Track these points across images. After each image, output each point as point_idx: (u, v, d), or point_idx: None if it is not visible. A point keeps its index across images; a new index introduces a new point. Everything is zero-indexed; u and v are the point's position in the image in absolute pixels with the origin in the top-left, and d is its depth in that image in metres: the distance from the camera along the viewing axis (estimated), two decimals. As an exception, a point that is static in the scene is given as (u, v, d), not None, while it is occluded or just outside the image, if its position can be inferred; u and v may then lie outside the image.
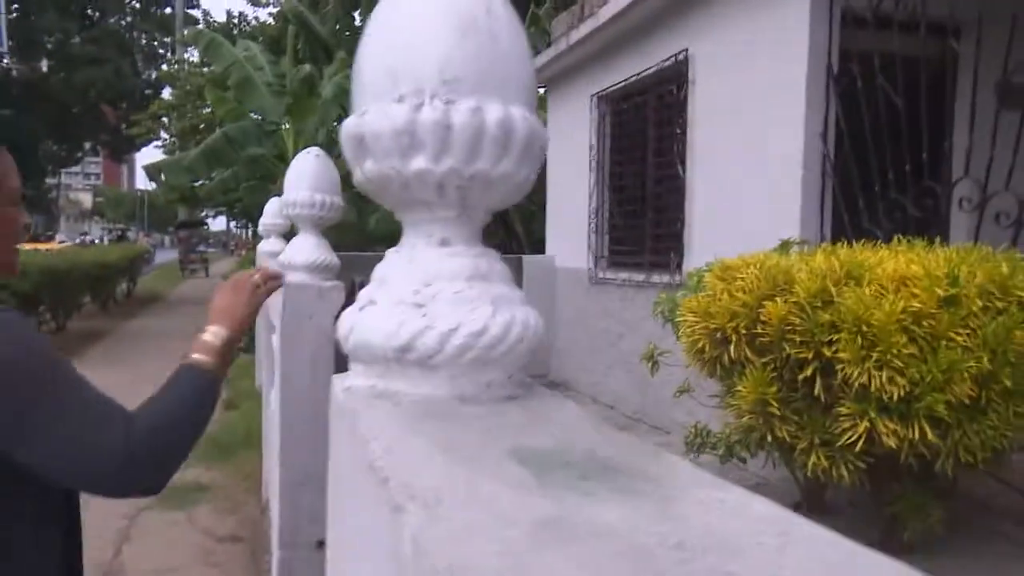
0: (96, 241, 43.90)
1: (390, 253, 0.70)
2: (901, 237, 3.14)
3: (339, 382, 0.71)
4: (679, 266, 5.17)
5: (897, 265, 2.64)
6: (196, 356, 1.22)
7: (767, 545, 0.34)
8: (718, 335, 2.89)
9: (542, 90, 8.72)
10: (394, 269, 0.67)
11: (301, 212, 2.08)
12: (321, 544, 2.05)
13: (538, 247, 12.70)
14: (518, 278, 7.61)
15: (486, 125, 0.61)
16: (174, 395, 1.14)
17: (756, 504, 0.40)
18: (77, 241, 42.58)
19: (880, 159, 3.71)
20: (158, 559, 3.84)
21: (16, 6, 32.64)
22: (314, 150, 2.13)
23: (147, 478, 1.04)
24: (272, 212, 4.51)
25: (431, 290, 0.64)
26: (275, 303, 2.29)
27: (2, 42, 20.86)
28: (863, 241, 3.20)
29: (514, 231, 12.83)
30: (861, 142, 3.80)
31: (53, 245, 20.51)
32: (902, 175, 3.63)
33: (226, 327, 1.28)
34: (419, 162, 0.62)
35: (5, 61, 31.98)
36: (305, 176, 2.08)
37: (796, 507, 3.71)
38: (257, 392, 6.75)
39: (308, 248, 2.11)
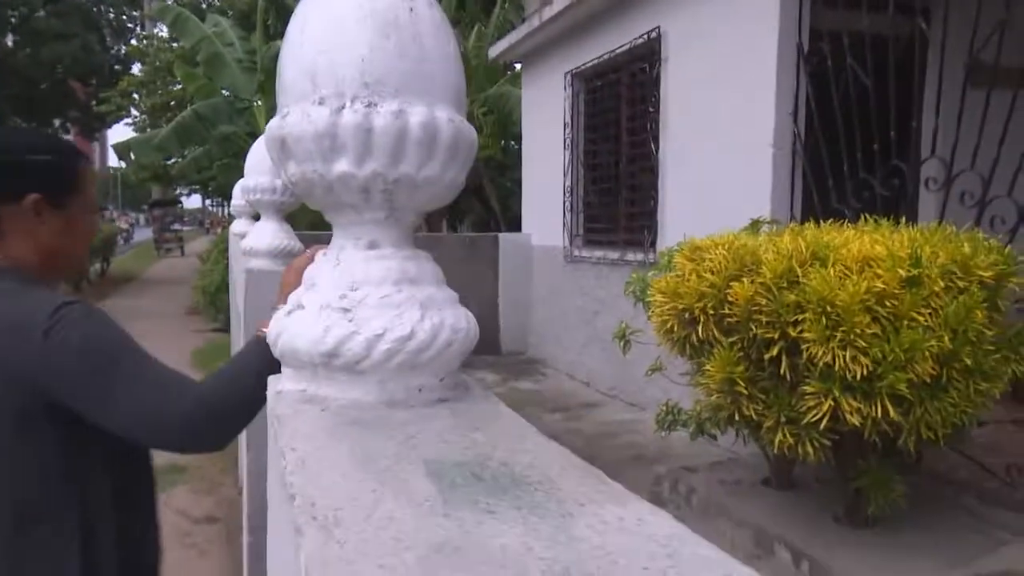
0: None
1: (318, 256, 0.69)
2: (868, 217, 3.16)
3: (273, 384, 0.70)
4: (652, 244, 5.19)
5: (861, 246, 2.67)
6: (264, 330, 1.27)
7: (652, 569, 0.34)
8: (686, 315, 2.91)
9: (518, 66, 8.65)
10: (322, 273, 0.66)
11: (262, 198, 2.05)
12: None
13: (515, 224, 12.69)
14: (494, 255, 7.63)
15: (409, 128, 0.60)
16: (240, 363, 1.26)
17: (653, 522, 0.40)
18: None
19: (849, 138, 3.72)
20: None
21: (-22, -21, 31.77)
22: (275, 134, 2.10)
23: (208, 436, 1.20)
24: (240, 193, 4.45)
25: (358, 295, 0.63)
26: (239, 289, 2.26)
27: None
28: (831, 221, 3.22)
29: (491, 208, 12.79)
30: (831, 121, 3.81)
31: None
32: (870, 155, 3.66)
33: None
34: (342, 165, 0.61)
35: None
36: (266, 160, 2.04)
37: (765, 482, 3.77)
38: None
39: (270, 233, 2.09)
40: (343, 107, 0.60)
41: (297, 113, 0.62)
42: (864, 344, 2.50)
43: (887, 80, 3.51)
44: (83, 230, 1.37)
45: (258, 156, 2.07)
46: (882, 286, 2.52)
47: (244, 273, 1.94)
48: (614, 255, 5.78)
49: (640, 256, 5.31)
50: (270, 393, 0.68)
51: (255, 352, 1.23)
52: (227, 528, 4.08)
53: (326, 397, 0.63)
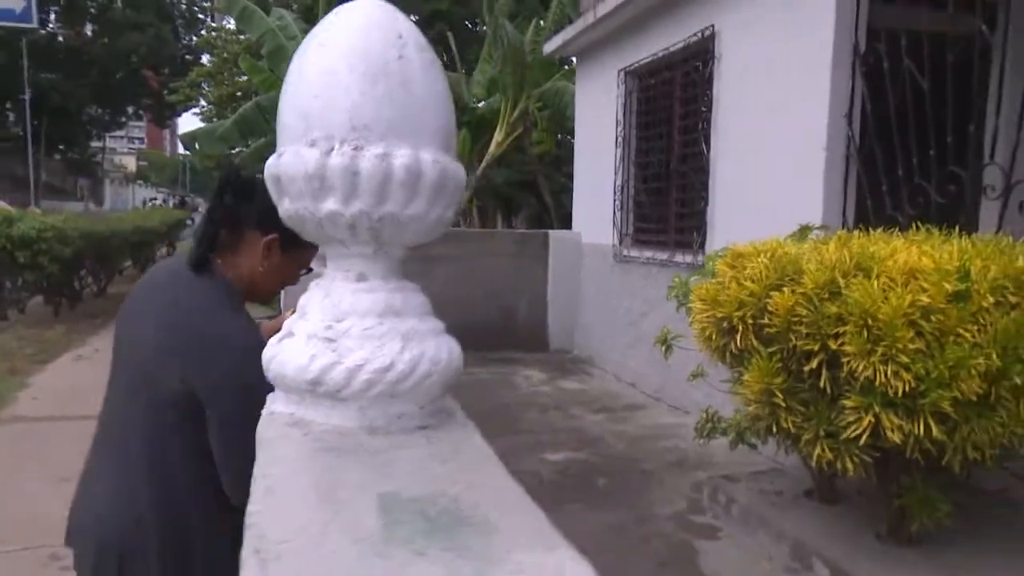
0: (161, 205, 45.76)
1: (312, 285, 0.73)
2: (922, 225, 3.07)
3: (268, 404, 0.74)
4: (702, 246, 5.13)
5: (908, 257, 2.59)
6: None
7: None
8: (725, 324, 2.88)
9: (574, 60, 8.62)
10: (312, 302, 0.70)
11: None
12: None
13: (568, 220, 12.66)
14: (544, 253, 7.64)
15: (393, 170, 0.63)
16: None
17: (572, 572, 0.42)
18: (149, 205, 44.53)
19: (904, 142, 3.62)
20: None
21: (61, -28, 33.18)
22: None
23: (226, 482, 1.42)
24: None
25: (343, 325, 0.66)
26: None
27: (32, 16, 21.26)
28: (883, 228, 3.14)
29: (545, 204, 12.80)
30: (886, 124, 3.71)
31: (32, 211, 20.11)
32: (926, 160, 3.54)
33: None
34: (330, 204, 0.65)
35: (52, 29, 32.55)
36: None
37: (808, 494, 3.71)
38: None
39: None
40: (332, 149, 0.63)
41: (291, 153, 0.66)
42: (907, 359, 2.44)
43: (945, 82, 3.40)
44: (288, 277, 1.59)
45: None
46: (927, 300, 2.45)
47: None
48: (663, 256, 5.74)
49: (689, 258, 5.26)
50: (264, 413, 0.72)
51: None
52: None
53: (311, 421, 0.67)
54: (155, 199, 61.27)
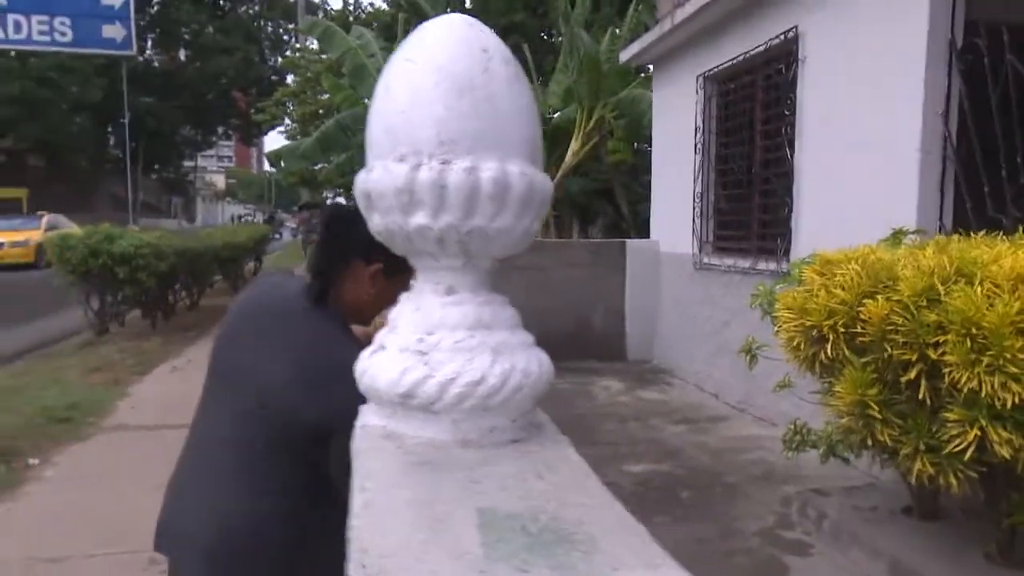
0: (253, 220, 48.04)
1: (402, 298, 0.73)
2: (1025, 228, 2.89)
3: (360, 417, 0.75)
4: (786, 253, 4.98)
5: (1015, 262, 2.44)
6: None
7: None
8: (814, 333, 2.78)
9: (651, 67, 8.54)
10: (403, 315, 0.71)
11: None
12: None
13: (645, 228, 12.51)
14: (621, 262, 7.57)
15: (480, 184, 0.63)
16: None
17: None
18: (243, 220, 47.08)
19: (1008, 141, 3.42)
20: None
21: (155, 0, 35.10)
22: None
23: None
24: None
25: (434, 339, 0.67)
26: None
27: (131, 44, 22.60)
28: (986, 231, 2.97)
29: (621, 213, 12.69)
30: (987, 122, 3.51)
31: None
32: (1033, 159, 3.34)
33: None
34: (419, 218, 0.65)
35: (149, 56, 34.46)
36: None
37: (906, 511, 3.53)
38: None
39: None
40: (420, 164, 0.64)
41: (380, 169, 0.66)
42: (1016, 370, 2.29)
43: (1053, 77, 3.20)
44: (390, 302, 1.62)
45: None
46: (1038, 307, 2.30)
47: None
48: (745, 264, 5.59)
49: (773, 265, 5.11)
50: (357, 425, 0.73)
51: None
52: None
53: (404, 434, 0.67)
54: (248, 215, 64.52)
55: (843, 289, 2.71)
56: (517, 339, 0.70)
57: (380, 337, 0.72)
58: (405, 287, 1.73)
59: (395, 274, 1.59)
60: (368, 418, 0.72)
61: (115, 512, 4.18)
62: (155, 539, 1.72)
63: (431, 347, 0.66)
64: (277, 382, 1.49)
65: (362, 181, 0.69)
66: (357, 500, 0.53)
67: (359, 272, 1.57)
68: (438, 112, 0.64)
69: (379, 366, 0.68)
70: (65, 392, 6.50)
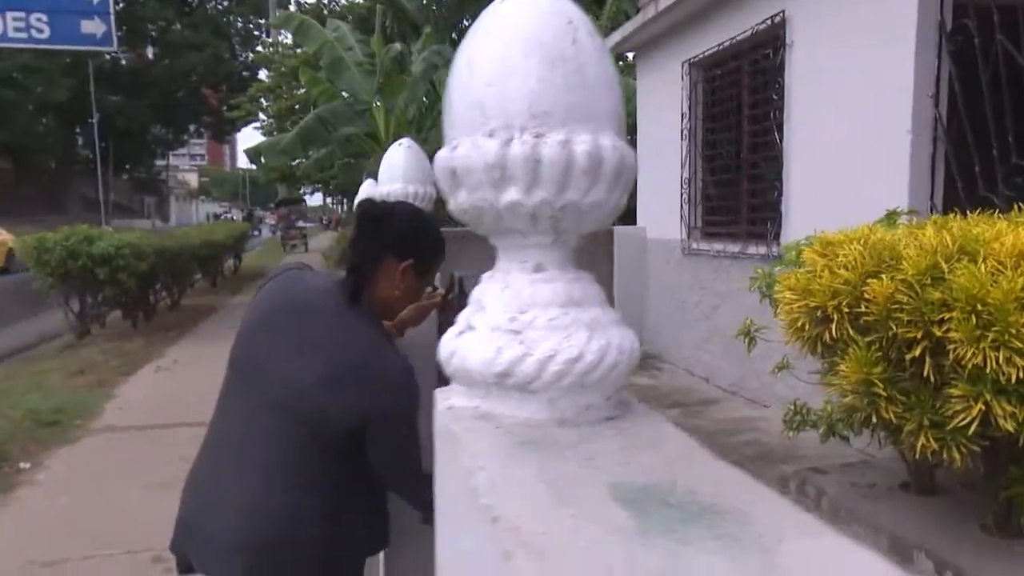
0: (233, 219, 47.55)
1: (485, 278, 0.72)
2: (1022, 206, 2.93)
3: (442, 399, 0.73)
4: (776, 237, 5.01)
5: (1016, 239, 2.47)
6: None
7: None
8: (818, 313, 2.80)
9: (630, 55, 8.54)
10: (490, 295, 0.69)
11: (396, 203, 2.14)
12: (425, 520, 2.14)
13: (624, 215, 12.54)
14: (608, 248, 7.58)
15: (575, 157, 0.62)
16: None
17: (858, 555, 0.40)
18: (223, 219, 46.60)
19: (998, 122, 3.46)
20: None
21: (121, -2, 34.48)
22: (405, 141, 2.18)
23: (407, 500, 1.61)
24: (368, 192, 4.64)
25: (527, 317, 0.65)
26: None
27: (112, 40, 22.19)
28: (979, 210, 3.01)
29: (604, 201, 12.70)
30: (977, 104, 3.55)
31: None
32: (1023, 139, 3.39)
33: None
34: (511, 195, 0.64)
35: (116, 54, 33.85)
36: (398, 168, 2.13)
37: (903, 486, 3.58)
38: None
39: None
40: (511, 139, 0.62)
41: (467, 145, 0.65)
42: (1020, 345, 2.32)
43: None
44: (416, 298, 1.71)
45: (390, 164, 2.16)
46: (1041, 283, 2.33)
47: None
48: (734, 248, 5.62)
49: (763, 249, 5.15)
50: (440, 407, 0.71)
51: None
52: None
53: (499, 415, 0.66)
54: (225, 212, 64.12)
55: (847, 269, 2.73)
56: (608, 316, 0.69)
57: (464, 318, 0.71)
58: (430, 283, 1.75)
59: (423, 271, 1.65)
60: (454, 399, 0.71)
61: (110, 513, 4.12)
62: (174, 539, 1.69)
63: (525, 325, 0.65)
64: (311, 380, 1.48)
65: (446, 159, 0.67)
66: (481, 479, 0.52)
67: (390, 269, 1.58)
68: (530, 84, 0.62)
69: (470, 346, 0.67)
70: (49, 396, 6.40)
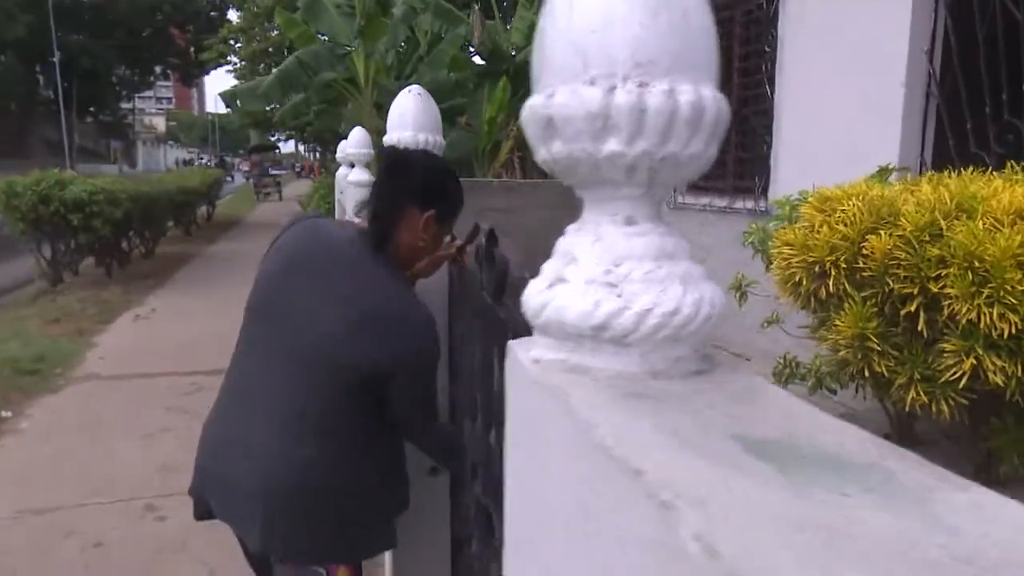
0: (206, 165, 46.30)
1: (571, 229, 0.71)
2: (1015, 164, 2.97)
3: (521, 351, 0.73)
4: (764, 191, 5.03)
5: (1013, 197, 2.51)
6: None
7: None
8: (816, 268, 2.83)
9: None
10: (580, 247, 0.69)
11: (404, 152, 2.10)
12: (433, 470, 2.15)
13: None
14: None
15: (679, 108, 0.61)
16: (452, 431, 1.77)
17: (1010, 507, 0.41)
18: (197, 165, 45.36)
19: (993, 78, 3.48)
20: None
21: (83, -70, 32.93)
22: (415, 88, 2.13)
23: (424, 449, 1.74)
24: (357, 141, 4.55)
25: (622, 270, 0.65)
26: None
27: None
28: (971, 168, 3.05)
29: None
30: (972, 59, 3.56)
31: None
32: (1017, 96, 3.41)
33: None
34: (612, 145, 0.63)
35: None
36: (408, 115, 2.08)
37: (886, 437, 3.68)
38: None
39: (412, 187, 2.14)
40: (615, 87, 0.61)
41: (567, 93, 0.63)
42: (1014, 301, 2.38)
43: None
44: (437, 247, 1.72)
45: (400, 111, 2.11)
46: (1037, 240, 2.38)
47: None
48: (721, 203, 5.65)
49: (750, 204, 5.17)
50: (522, 359, 0.71)
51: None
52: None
53: (590, 368, 0.66)
54: (202, 159, 63.04)
55: (845, 225, 2.76)
56: (697, 270, 0.69)
57: (554, 269, 0.70)
58: (448, 232, 1.74)
59: (445, 221, 1.65)
60: (539, 352, 0.71)
61: (101, 462, 4.11)
62: (193, 484, 1.69)
63: (621, 279, 0.65)
64: (334, 327, 1.49)
65: (542, 106, 0.66)
66: (603, 432, 0.52)
67: (413, 219, 1.59)
68: (634, 31, 0.61)
69: (564, 299, 0.67)
70: (28, 344, 6.30)
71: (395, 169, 1.59)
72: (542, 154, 0.69)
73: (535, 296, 0.70)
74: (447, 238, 1.76)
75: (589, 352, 0.67)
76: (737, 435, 0.52)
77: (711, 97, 0.63)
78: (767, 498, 0.42)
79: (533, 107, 0.67)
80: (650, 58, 0.61)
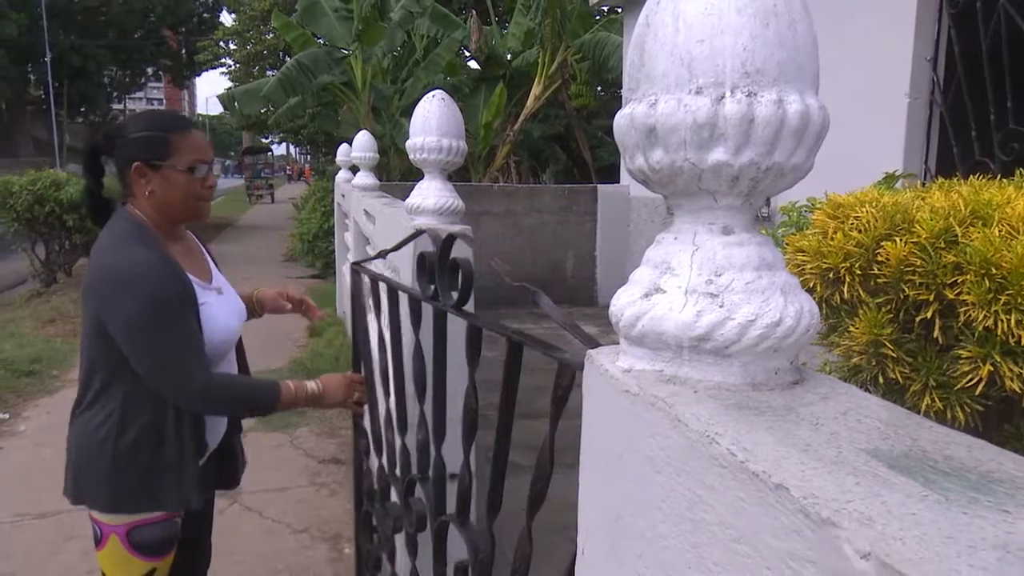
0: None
1: (664, 237, 0.71)
2: (1020, 171, 2.99)
3: (607, 360, 0.73)
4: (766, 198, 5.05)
5: (1028, 205, 2.53)
6: (288, 385, 1.76)
7: None
8: (830, 275, 2.84)
9: (619, 10, 8.42)
10: (677, 257, 0.68)
11: (428, 157, 2.09)
12: (452, 477, 2.14)
13: (604, 173, 12.50)
14: (592, 207, 7.57)
15: (788, 117, 0.61)
16: (250, 388, 1.76)
17: None
18: None
19: (997, 86, 3.50)
20: (269, 479, 4.07)
21: (76, -70, 32.76)
22: (439, 93, 2.12)
23: (199, 409, 1.71)
24: (362, 145, 4.53)
25: (723, 280, 0.65)
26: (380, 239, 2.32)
27: None
28: (977, 175, 3.06)
29: (581, 158, 12.65)
30: (976, 68, 3.59)
31: None
32: (1022, 104, 3.44)
33: (324, 398, 1.83)
34: (717, 155, 0.62)
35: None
36: (432, 120, 2.07)
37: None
38: (339, 319, 6.96)
39: (435, 192, 2.13)
40: (723, 96, 0.61)
41: (671, 102, 0.63)
42: (1030, 308, 2.39)
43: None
44: (190, 187, 1.68)
45: (424, 116, 2.10)
46: (1053, 248, 2.39)
47: (412, 230, 1.99)
48: (723, 208, 5.66)
49: (754, 209, 5.18)
50: (610, 368, 0.71)
51: (265, 390, 1.71)
52: (350, 469, 4.28)
53: (687, 379, 0.66)
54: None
55: (860, 232, 2.76)
56: (793, 280, 0.69)
57: (649, 279, 0.70)
58: (186, 165, 1.70)
59: (160, 159, 1.66)
60: (630, 362, 0.70)
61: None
62: None
63: (722, 289, 0.64)
64: (85, 293, 1.64)
65: (644, 115, 0.65)
66: (726, 443, 0.51)
67: (135, 179, 1.66)
68: (744, 40, 0.61)
69: (662, 309, 0.66)
70: (23, 345, 6.25)
71: (95, 153, 1.75)
72: (639, 163, 0.68)
73: (629, 307, 0.70)
74: (202, 168, 1.71)
75: (687, 363, 0.66)
76: (870, 449, 0.51)
77: (816, 106, 0.63)
78: (932, 515, 0.42)
79: (634, 116, 0.67)
80: (758, 67, 0.61)
